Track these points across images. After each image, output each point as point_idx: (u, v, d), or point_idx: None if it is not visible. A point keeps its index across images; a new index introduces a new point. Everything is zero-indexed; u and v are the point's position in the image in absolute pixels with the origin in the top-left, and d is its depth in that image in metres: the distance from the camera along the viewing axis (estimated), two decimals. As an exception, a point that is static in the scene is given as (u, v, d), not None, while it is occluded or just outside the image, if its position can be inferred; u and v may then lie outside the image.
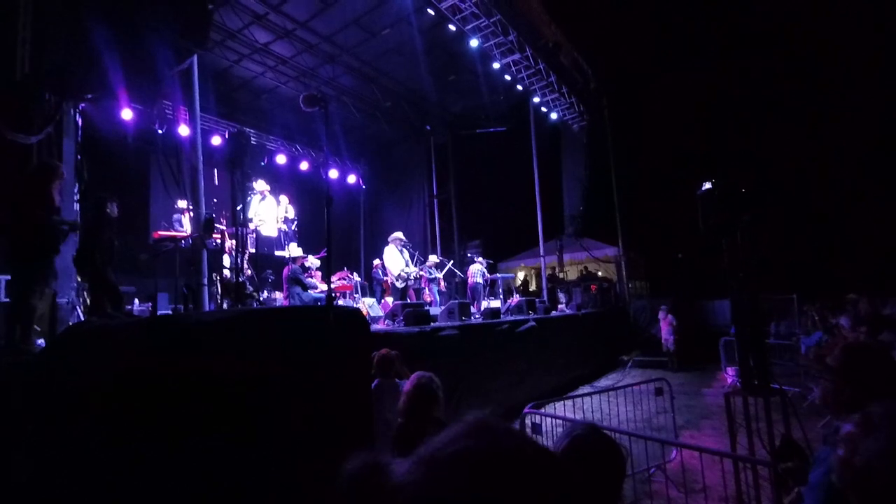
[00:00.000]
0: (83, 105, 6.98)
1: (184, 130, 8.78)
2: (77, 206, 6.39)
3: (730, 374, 8.34)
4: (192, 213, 7.11)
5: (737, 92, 17.92)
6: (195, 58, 6.56)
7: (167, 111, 9.61)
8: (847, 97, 16.19)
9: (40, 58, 5.73)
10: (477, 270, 11.22)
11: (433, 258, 10.98)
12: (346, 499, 1.25)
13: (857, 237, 16.16)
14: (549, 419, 4.02)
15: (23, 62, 5.60)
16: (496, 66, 11.54)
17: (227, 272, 7.08)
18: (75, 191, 6.42)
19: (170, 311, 6.48)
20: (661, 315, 11.42)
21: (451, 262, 11.42)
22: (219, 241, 7.29)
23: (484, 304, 10.26)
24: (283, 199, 10.81)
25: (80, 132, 6.76)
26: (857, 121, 16.01)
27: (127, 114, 9.03)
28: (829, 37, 15.76)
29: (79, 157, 6.56)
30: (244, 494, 2.41)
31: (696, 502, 3.73)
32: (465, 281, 11.59)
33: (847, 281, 10.82)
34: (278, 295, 8.62)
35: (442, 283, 11.22)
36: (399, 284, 9.40)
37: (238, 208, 5.63)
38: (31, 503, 2.87)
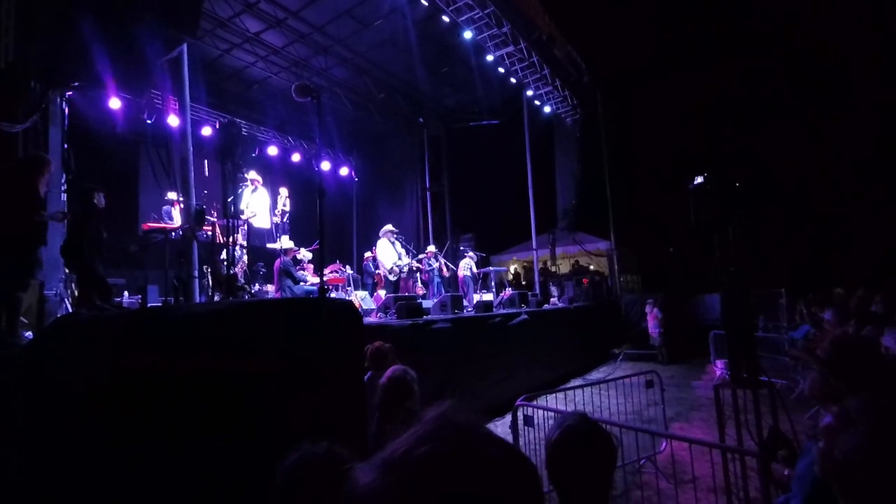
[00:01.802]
0: (70, 94, 6.85)
1: (173, 120, 8.63)
2: (64, 197, 6.29)
3: (719, 367, 8.43)
4: (182, 205, 7.03)
5: (732, 89, 17.95)
6: (185, 46, 6.46)
7: (156, 101, 9.44)
8: (847, 97, 16.26)
9: (26, 45, 5.61)
10: (466, 265, 11.26)
11: (431, 249, 10.96)
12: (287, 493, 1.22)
13: (848, 234, 16.33)
14: (540, 411, 4.04)
15: (7, 50, 5.48)
16: (490, 58, 11.48)
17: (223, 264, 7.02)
18: (62, 181, 6.32)
19: (160, 304, 6.42)
20: (647, 309, 11.53)
21: (443, 252, 11.36)
22: (209, 232, 7.21)
23: (476, 298, 10.28)
24: (283, 191, 10.73)
25: (66, 121, 6.64)
26: (856, 121, 16.10)
27: (115, 103, 8.87)
28: (829, 37, 15.78)
29: (65, 146, 6.46)
30: (244, 494, 2.39)
31: (686, 493, 3.79)
32: (456, 274, 11.60)
33: (835, 276, 10.96)
34: (270, 287, 8.57)
35: (445, 270, 11.14)
36: (392, 277, 9.38)
37: (229, 200, 5.58)
38: (27, 501, 2.84)
